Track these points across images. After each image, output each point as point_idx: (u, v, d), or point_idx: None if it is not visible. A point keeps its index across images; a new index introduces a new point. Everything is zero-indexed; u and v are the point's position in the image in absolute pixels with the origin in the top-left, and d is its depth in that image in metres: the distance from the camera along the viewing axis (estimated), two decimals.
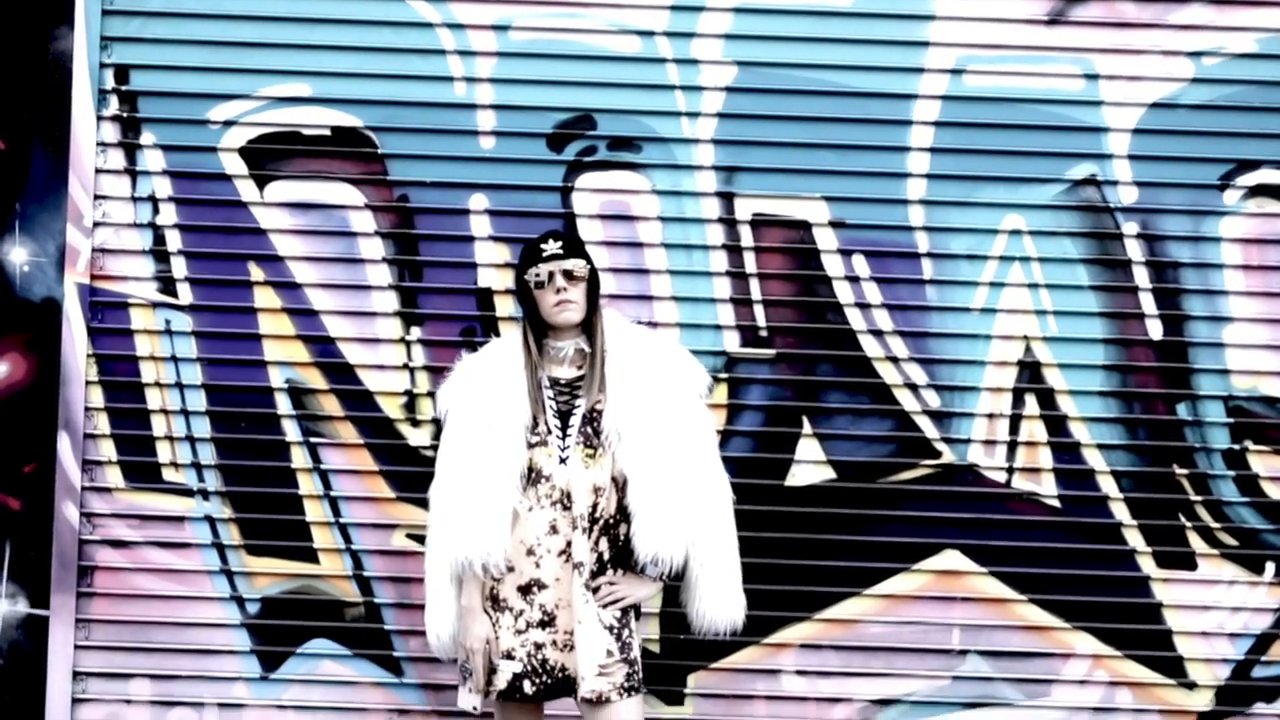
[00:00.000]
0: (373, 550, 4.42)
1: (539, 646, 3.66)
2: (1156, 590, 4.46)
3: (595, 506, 3.68)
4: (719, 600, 3.76)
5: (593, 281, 3.77)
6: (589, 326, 3.75)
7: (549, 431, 3.71)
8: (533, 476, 3.69)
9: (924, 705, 4.45)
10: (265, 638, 4.42)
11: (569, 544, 3.67)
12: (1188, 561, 4.47)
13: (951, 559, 4.45)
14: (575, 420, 3.71)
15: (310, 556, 4.42)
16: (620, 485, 3.70)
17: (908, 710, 4.45)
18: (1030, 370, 4.45)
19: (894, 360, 4.44)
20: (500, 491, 3.65)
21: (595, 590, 3.67)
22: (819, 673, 4.44)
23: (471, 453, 3.69)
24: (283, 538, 4.41)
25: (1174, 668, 4.46)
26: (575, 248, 3.78)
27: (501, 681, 3.66)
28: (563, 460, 3.69)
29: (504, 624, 3.68)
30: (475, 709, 3.74)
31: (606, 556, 3.71)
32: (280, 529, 4.41)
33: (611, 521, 3.71)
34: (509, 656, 3.67)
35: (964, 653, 4.45)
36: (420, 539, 4.37)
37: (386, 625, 4.42)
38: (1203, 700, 4.47)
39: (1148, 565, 4.46)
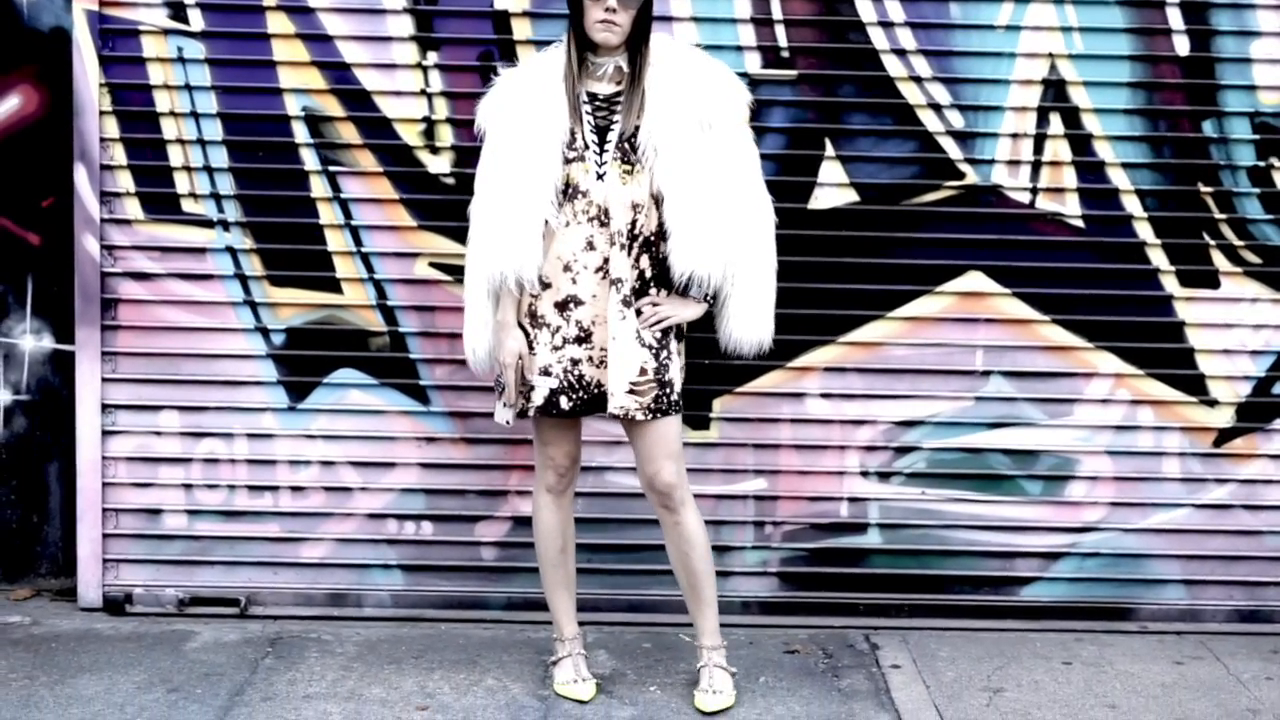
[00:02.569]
0: (395, 279, 4.49)
1: (575, 362, 3.75)
2: (1179, 309, 4.56)
3: (634, 223, 3.73)
4: (748, 320, 3.83)
5: (645, 11, 3.71)
6: (633, 48, 3.72)
7: (586, 147, 3.73)
8: (569, 192, 3.72)
9: (947, 426, 4.58)
10: (291, 368, 4.51)
11: (606, 260, 3.72)
12: (1211, 280, 4.55)
13: (975, 280, 4.53)
14: (613, 136, 3.73)
15: (333, 286, 4.49)
16: (659, 202, 3.74)
17: (931, 431, 4.58)
18: (1055, 88, 4.48)
19: (917, 80, 4.47)
20: (534, 205, 3.68)
21: (638, 312, 3.74)
22: (843, 396, 4.56)
23: (507, 167, 3.71)
24: (305, 268, 4.48)
25: (1196, 385, 4.58)
26: None
27: (539, 398, 3.76)
28: (599, 176, 3.72)
29: (541, 340, 3.76)
30: (508, 423, 3.84)
31: (649, 275, 3.77)
32: (302, 259, 4.48)
33: (652, 239, 3.76)
34: (546, 373, 3.75)
35: (987, 374, 4.56)
36: (443, 268, 4.47)
37: (412, 354, 4.51)
38: (1223, 417, 4.59)
39: (1170, 284, 4.55)
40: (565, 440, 3.89)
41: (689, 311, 3.82)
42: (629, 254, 3.73)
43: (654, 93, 3.72)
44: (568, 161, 3.73)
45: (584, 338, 3.75)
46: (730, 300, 3.82)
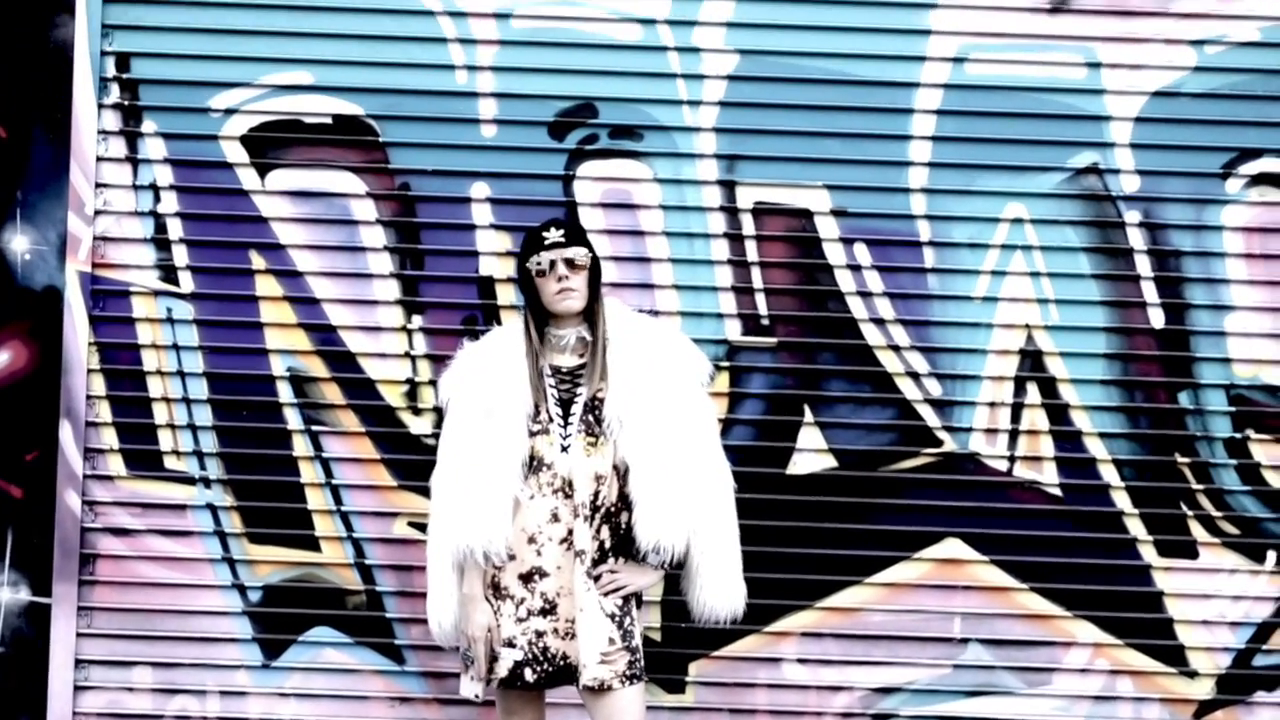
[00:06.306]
0: (374, 538, 4.77)
1: (540, 634, 3.98)
2: (1158, 579, 4.81)
3: (597, 494, 4.00)
4: (720, 588, 4.08)
5: (594, 270, 4.08)
6: (591, 315, 4.06)
7: (550, 419, 4.02)
8: (534, 464, 4.00)
9: (926, 694, 4.80)
10: (267, 625, 4.76)
11: (570, 532, 3.98)
12: (1189, 550, 4.82)
13: (953, 547, 4.80)
14: (577, 408, 4.03)
15: (312, 544, 4.77)
16: (622, 473, 4.01)
17: (909, 698, 4.80)
18: (1032, 359, 4.80)
19: (895, 349, 4.79)
20: (502, 479, 3.97)
21: (597, 578, 4.00)
22: (820, 661, 4.79)
23: (473, 440, 4.00)
24: (284, 526, 4.77)
25: (1175, 656, 4.81)
26: (577, 236, 4.09)
27: (503, 670, 3.98)
28: (564, 448, 4.01)
29: (505, 612, 4.00)
30: (477, 697, 4.05)
31: (608, 545, 4.03)
32: (282, 517, 4.77)
33: (613, 510, 4.03)
34: (510, 645, 3.99)
35: (965, 641, 4.80)
36: (422, 527, 4.71)
37: (388, 613, 4.77)
38: (1204, 689, 4.82)
39: (1149, 554, 4.81)
40: (528, 711, 4.10)
41: (646, 579, 4.07)
42: (591, 525, 3.99)
43: (616, 363, 4.02)
44: (532, 434, 4.00)
45: (549, 609, 3.98)
46: (699, 570, 4.06)
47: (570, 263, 4.00)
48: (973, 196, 4.79)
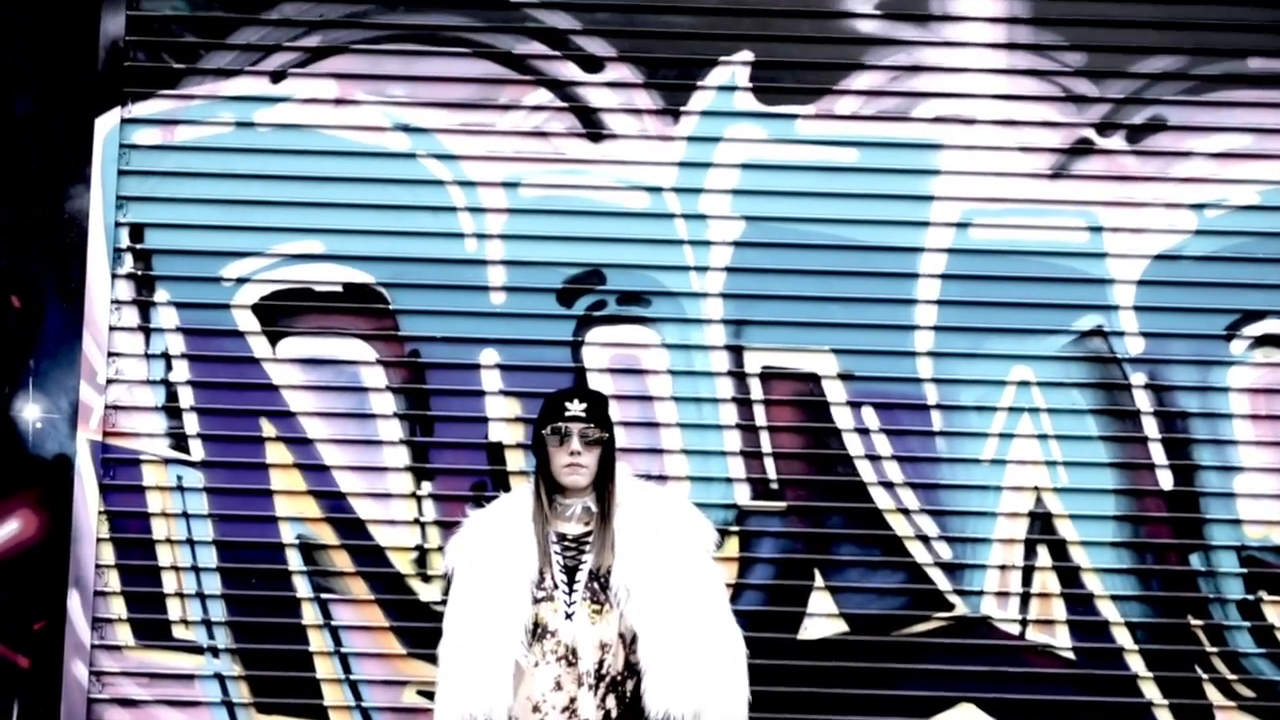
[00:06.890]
0: (383, 707, 4.76)
1: None
2: None
3: (602, 663, 4.00)
4: None
5: (609, 448, 4.11)
6: (600, 488, 4.09)
7: (555, 586, 4.04)
8: (538, 632, 4.00)
9: None
10: None
11: (573, 700, 3.98)
12: (1205, 714, 4.80)
13: (967, 712, 4.78)
14: (582, 576, 4.05)
15: (320, 714, 4.75)
16: (628, 641, 4.01)
17: None
18: (1042, 521, 4.83)
19: (905, 512, 4.82)
20: (504, 646, 3.95)
21: None
22: None
23: (476, 608, 4.00)
24: (293, 695, 4.75)
25: None
26: (598, 412, 4.09)
27: None
28: (569, 616, 4.01)
29: None
30: None
31: (614, 714, 4.02)
32: (290, 686, 4.76)
33: (619, 678, 4.03)
34: None
35: None
36: (431, 695, 4.71)
37: None
38: None
39: (1165, 718, 4.79)
40: None
41: None
42: (596, 694, 3.98)
43: (623, 533, 4.04)
44: (536, 601, 4.00)
45: None
46: None
47: (585, 438, 4.04)
48: (979, 359, 4.85)
